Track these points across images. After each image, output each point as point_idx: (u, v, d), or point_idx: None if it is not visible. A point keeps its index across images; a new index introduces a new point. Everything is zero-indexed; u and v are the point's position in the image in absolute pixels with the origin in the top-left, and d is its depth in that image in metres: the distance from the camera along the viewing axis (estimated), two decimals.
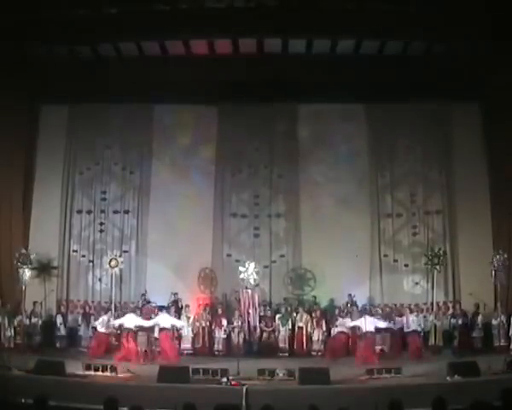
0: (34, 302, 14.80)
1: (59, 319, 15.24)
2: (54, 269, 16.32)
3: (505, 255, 13.72)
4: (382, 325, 13.88)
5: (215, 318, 15.01)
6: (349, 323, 14.01)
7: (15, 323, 14.15)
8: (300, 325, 14.90)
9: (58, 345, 14.85)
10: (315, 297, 16.00)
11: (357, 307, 15.24)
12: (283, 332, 14.87)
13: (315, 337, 14.82)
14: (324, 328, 14.88)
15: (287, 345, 14.84)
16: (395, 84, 15.83)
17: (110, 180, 17.24)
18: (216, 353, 14.66)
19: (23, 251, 14.59)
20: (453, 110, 16.70)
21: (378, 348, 13.84)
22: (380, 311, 15.13)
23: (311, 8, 13.59)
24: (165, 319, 13.89)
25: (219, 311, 15.13)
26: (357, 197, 16.75)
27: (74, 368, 11.35)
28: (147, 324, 13.75)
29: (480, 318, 14.61)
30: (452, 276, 16.11)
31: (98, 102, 16.68)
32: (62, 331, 15.11)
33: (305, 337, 14.85)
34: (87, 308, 15.97)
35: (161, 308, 15.34)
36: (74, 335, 15.30)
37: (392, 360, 13.25)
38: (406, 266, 16.60)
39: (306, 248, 16.51)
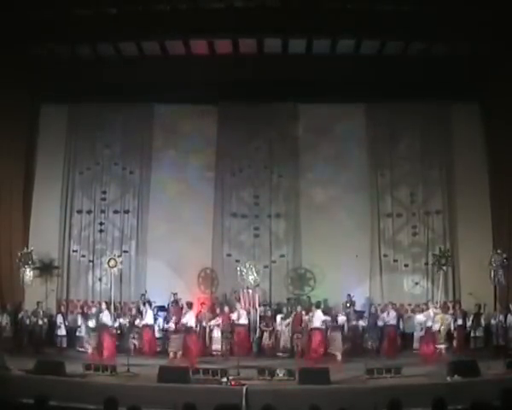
0: (38, 302, 14.78)
1: (59, 319, 15.23)
2: (55, 269, 16.34)
3: (504, 255, 13.72)
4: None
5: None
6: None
7: (16, 323, 14.14)
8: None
9: (58, 345, 14.83)
10: (309, 298, 15.94)
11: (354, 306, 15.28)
12: (286, 332, 14.80)
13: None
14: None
15: (287, 345, 14.80)
16: (395, 84, 15.83)
17: (110, 180, 17.26)
18: (214, 353, 14.56)
19: (25, 250, 14.58)
20: (453, 110, 16.70)
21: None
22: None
23: (311, 8, 13.59)
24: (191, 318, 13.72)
25: (218, 311, 15.10)
26: (357, 197, 16.75)
27: (74, 368, 11.34)
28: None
29: (482, 318, 14.60)
30: (452, 276, 16.11)
31: (98, 102, 16.69)
32: (63, 331, 15.10)
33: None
34: (85, 309, 15.94)
35: (161, 309, 15.38)
36: (74, 335, 15.28)
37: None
38: (406, 266, 16.62)
39: (306, 248, 16.52)
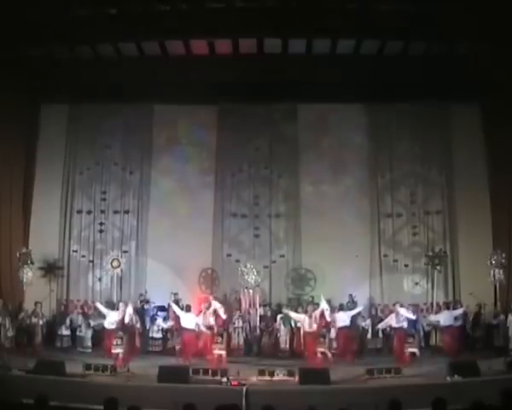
0: (36, 303, 14.76)
1: (59, 319, 15.22)
2: (59, 269, 16.35)
3: (503, 254, 13.72)
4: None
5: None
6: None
7: (16, 323, 14.13)
8: (300, 325, 14.79)
9: (59, 345, 14.83)
10: (312, 297, 15.92)
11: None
12: (284, 333, 14.78)
13: None
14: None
15: (287, 345, 14.78)
16: (395, 84, 15.82)
17: (110, 180, 17.25)
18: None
19: (24, 250, 14.58)
20: (453, 110, 16.70)
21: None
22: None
23: (311, 8, 13.60)
24: (187, 320, 13.57)
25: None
26: (357, 197, 16.78)
27: (74, 368, 11.34)
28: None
29: (482, 318, 14.60)
30: (452, 276, 16.12)
31: (98, 102, 16.70)
32: (62, 331, 15.08)
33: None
34: (85, 309, 15.95)
35: (161, 309, 15.35)
36: (75, 335, 15.27)
37: None
38: (406, 266, 16.61)
39: (306, 248, 16.51)
